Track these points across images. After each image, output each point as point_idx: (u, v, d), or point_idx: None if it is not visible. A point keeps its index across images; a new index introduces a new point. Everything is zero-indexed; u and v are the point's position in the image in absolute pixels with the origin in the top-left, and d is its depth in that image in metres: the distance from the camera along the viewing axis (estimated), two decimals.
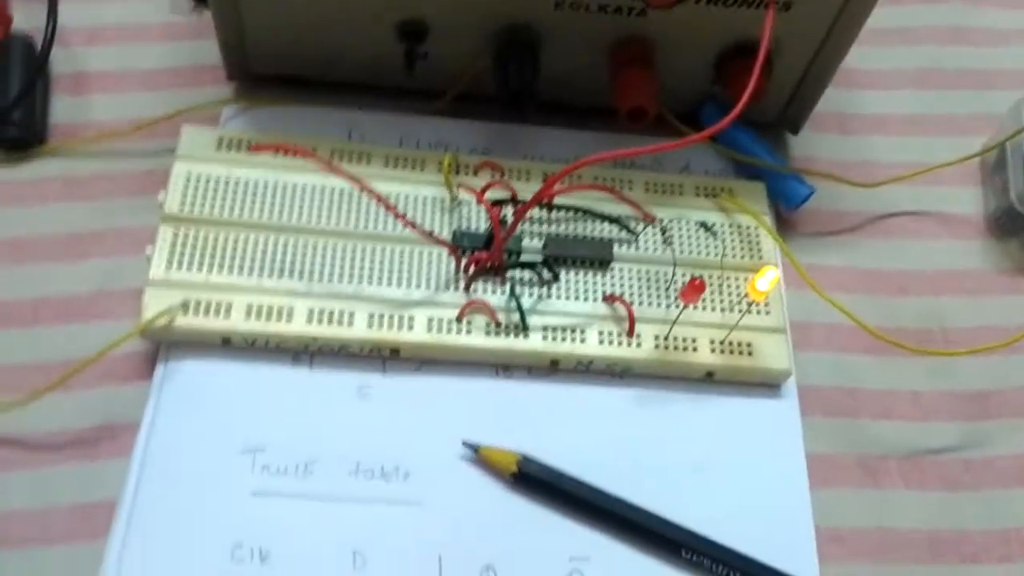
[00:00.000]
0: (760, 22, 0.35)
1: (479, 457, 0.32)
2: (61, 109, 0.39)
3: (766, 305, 0.35)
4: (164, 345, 0.34)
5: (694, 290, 0.32)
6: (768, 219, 0.37)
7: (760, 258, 0.36)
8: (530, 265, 0.35)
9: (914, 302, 0.39)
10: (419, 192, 0.36)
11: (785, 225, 0.39)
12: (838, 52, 0.37)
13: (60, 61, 0.40)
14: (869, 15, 0.35)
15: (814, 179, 0.39)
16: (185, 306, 0.33)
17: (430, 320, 0.34)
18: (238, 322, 0.33)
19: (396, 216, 0.32)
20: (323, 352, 0.34)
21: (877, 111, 0.43)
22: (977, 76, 0.45)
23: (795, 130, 0.41)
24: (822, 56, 0.37)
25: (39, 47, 0.38)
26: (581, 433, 0.34)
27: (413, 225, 0.32)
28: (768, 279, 0.31)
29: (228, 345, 0.33)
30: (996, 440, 0.36)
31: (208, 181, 0.35)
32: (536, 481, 0.32)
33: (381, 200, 0.32)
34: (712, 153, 0.40)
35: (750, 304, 0.34)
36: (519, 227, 0.36)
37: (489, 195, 0.36)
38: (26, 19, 0.40)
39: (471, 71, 0.37)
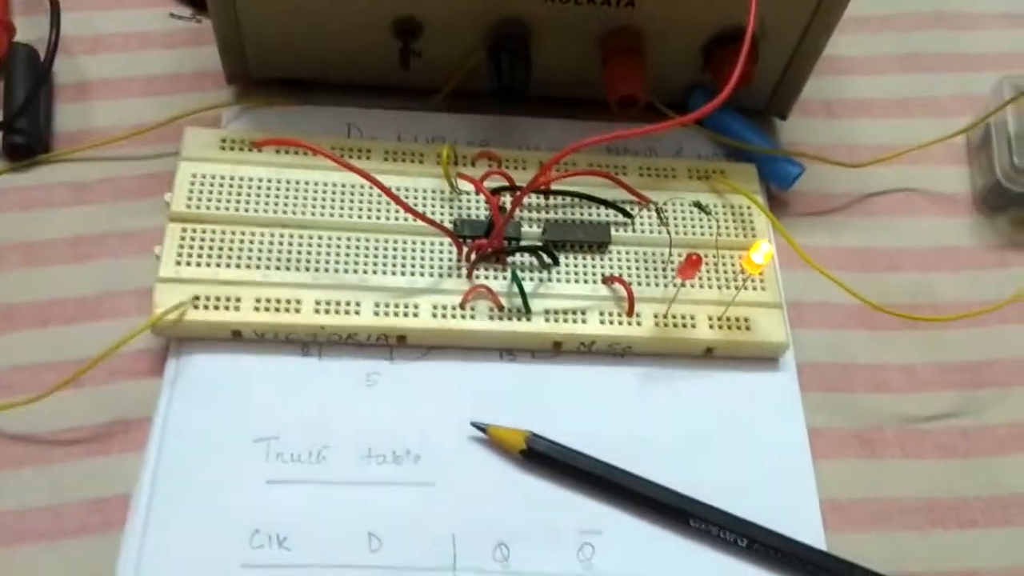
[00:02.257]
0: (745, 9, 0.36)
1: (488, 436, 0.33)
2: (65, 117, 0.40)
3: (761, 281, 0.36)
4: (174, 341, 0.34)
5: (691, 266, 0.32)
6: (760, 198, 0.38)
7: (754, 236, 0.37)
8: (530, 249, 0.35)
9: (905, 278, 0.40)
10: (419, 184, 0.37)
11: (776, 208, 0.40)
12: (822, 36, 0.38)
13: (63, 70, 0.40)
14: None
15: (802, 161, 0.40)
16: (195, 301, 0.33)
17: (435, 307, 0.34)
18: (248, 314, 0.33)
19: (400, 205, 0.33)
20: (331, 343, 0.35)
21: (862, 95, 0.44)
22: (959, 59, 0.46)
23: (783, 115, 0.42)
24: (807, 40, 0.38)
25: (42, 56, 0.39)
26: (586, 412, 0.35)
27: (417, 213, 0.33)
28: (763, 252, 0.32)
29: (238, 338, 0.34)
30: (989, 408, 0.37)
31: (213, 180, 0.36)
32: (545, 457, 0.33)
33: (385, 190, 0.32)
34: (703, 139, 0.41)
35: (746, 279, 0.35)
36: (518, 214, 0.37)
37: (487, 184, 0.36)
38: (29, 29, 0.41)
39: (465, 67, 0.38)
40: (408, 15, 0.37)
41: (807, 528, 0.33)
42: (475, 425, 0.33)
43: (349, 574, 0.31)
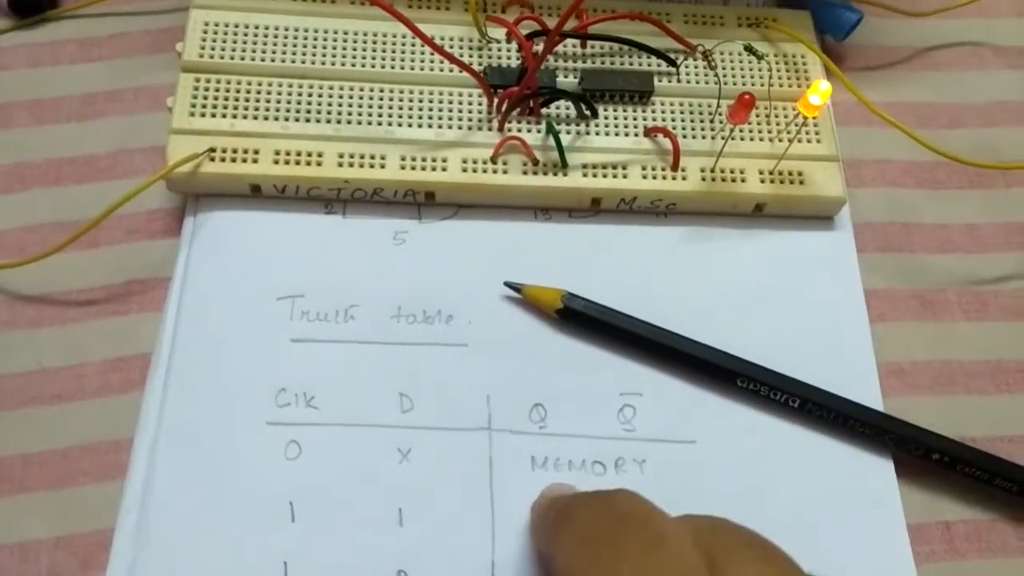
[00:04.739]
0: None
1: (523, 296, 0.31)
2: None
3: (817, 132, 0.34)
4: (191, 198, 0.33)
5: (743, 106, 0.30)
6: (816, 46, 0.36)
7: (808, 85, 0.34)
8: (567, 96, 0.33)
9: (967, 134, 0.37)
10: (445, 32, 0.34)
11: (832, 60, 0.37)
12: None
13: None
14: None
15: (860, 9, 0.37)
16: (211, 153, 0.31)
17: (464, 161, 0.32)
18: (267, 167, 0.31)
19: (430, 46, 0.30)
20: (356, 200, 0.33)
21: None
22: None
23: None
24: None
25: None
26: (627, 274, 0.32)
27: (448, 55, 0.31)
28: (821, 91, 0.29)
29: (257, 194, 0.32)
30: None
31: (227, 28, 0.33)
32: (582, 316, 0.31)
33: (416, 31, 0.30)
34: None
35: (801, 127, 0.33)
36: (553, 63, 0.34)
37: (520, 31, 0.34)
38: None
39: None
40: None
41: (864, 391, 0.31)
42: (509, 285, 0.31)
43: (380, 433, 0.29)
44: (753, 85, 0.34)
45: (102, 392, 0.30)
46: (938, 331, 0.33)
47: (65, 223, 0.32)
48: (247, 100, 0.32)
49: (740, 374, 0.30)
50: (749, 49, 0.34)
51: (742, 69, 0.35)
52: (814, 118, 0.31)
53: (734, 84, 0.34)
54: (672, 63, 0.34)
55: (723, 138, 0.33)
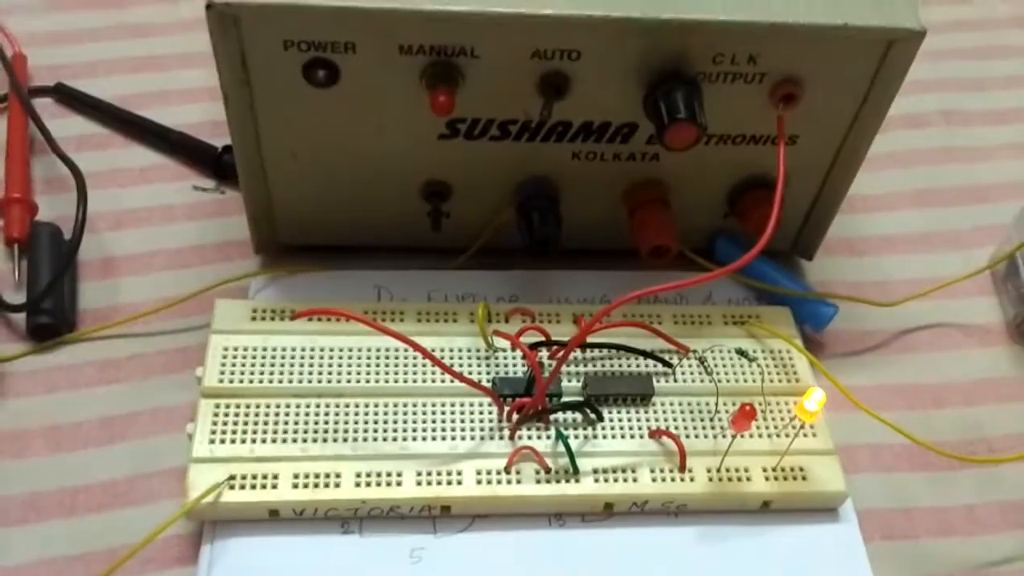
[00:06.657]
0: (767, 157, 0.37)
1: None
2: (90, 294, 0.39)
3: (812, 428, 0.35)
4: (208, 524, 0.33)
5: (745, 417, 0.31)
6: (798, 342, 0.38)
7: (797, 380, 0.37)
8: (573, 406, 0.34)
9: (951, 414, 0.39)
10: (454, 344, 0.36)
11: (811, 349, 0.39)
12: (844, 179, 0.38)
13: (87, 247, 0.40)
14: (871, 142, 0.37)
15: (834, 301, 0.40)
16: (231, 481, 0.32)
17: (479, 472, 0.33)
18: (286, 492, 0.32)
19: (442, 368, 0.32)
20: (372, 516, 0.33)
21: (883, 231, 0.45)
22: (971, 191, 0.47)
23: (809, 256, 0.42)
24: (830, 184, 0.38)
25: (65, 234, 0.39)
26: None
27: (459, 375, 0.32)
28: (816, 399, 0.31)
29: (275, 517, 0.32)
30: None
31: (245, 352, 0.35)
32: None
33: (426, 354, 0.32)
34: (732, 283, 0.41)
35: (800, 427, 0.34)
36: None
37: (523, 340, 0.36)
38: (49, 207, 0.41)
39: (494, 224, 0.38)
40: (438, 179, 0.37)
41: None
42: None
43: None
44: (746, 382, 0.36)
45: None
46: None
47: (81, 556, 0.32)
48: (266, 424, 0.33)
49: None
50: (740, 352, 0.36)
51: (734, 368, 0.37)
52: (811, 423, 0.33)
53: (727, 382, 0.36)
54: (668, 364, 0.36)
55: (724, 437, 0.34)
